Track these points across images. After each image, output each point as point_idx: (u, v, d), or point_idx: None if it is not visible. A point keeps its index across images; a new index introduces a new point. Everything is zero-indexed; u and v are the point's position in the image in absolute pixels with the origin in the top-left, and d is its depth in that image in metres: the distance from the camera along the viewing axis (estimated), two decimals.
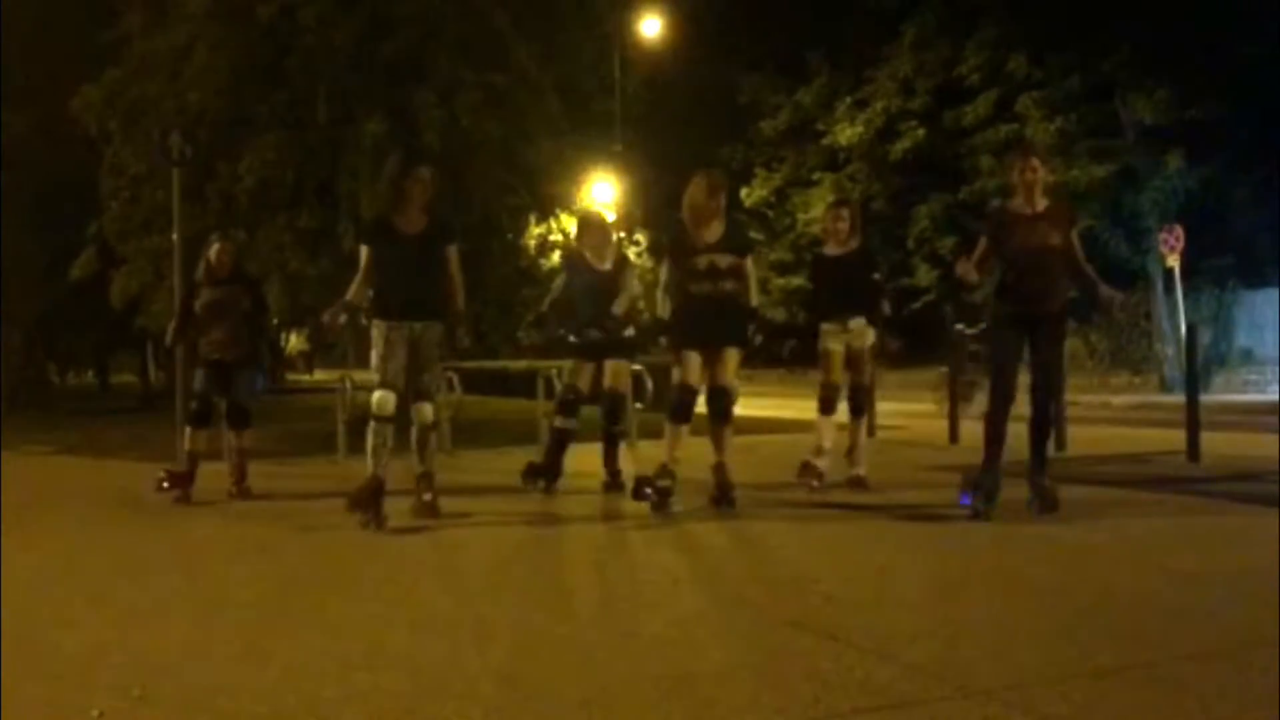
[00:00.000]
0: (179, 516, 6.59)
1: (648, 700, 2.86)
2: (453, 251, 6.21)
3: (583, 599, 4.14)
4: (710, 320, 6.17)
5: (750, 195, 29.95)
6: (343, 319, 6.23)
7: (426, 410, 6.12)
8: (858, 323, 7.08)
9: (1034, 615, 3.70)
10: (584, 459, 7.55)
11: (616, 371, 7.14)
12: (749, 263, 6.40)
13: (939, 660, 3.15)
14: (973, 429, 6.23)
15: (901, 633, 3.49)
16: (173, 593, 4.37)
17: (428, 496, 6.08)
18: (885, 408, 11.54)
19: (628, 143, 19.92)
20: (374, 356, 6.04)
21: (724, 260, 6.20)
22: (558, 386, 8.05)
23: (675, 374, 6.30)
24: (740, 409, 11.15)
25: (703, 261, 6.17)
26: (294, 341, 49.27)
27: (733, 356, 6.28)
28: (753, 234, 30.17)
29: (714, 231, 6.23)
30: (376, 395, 5.96)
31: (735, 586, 4.31)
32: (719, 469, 6.23)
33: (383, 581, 4.51)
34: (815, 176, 28.58)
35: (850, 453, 7.19)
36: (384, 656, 3.31)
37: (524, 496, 6.97)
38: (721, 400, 6.25)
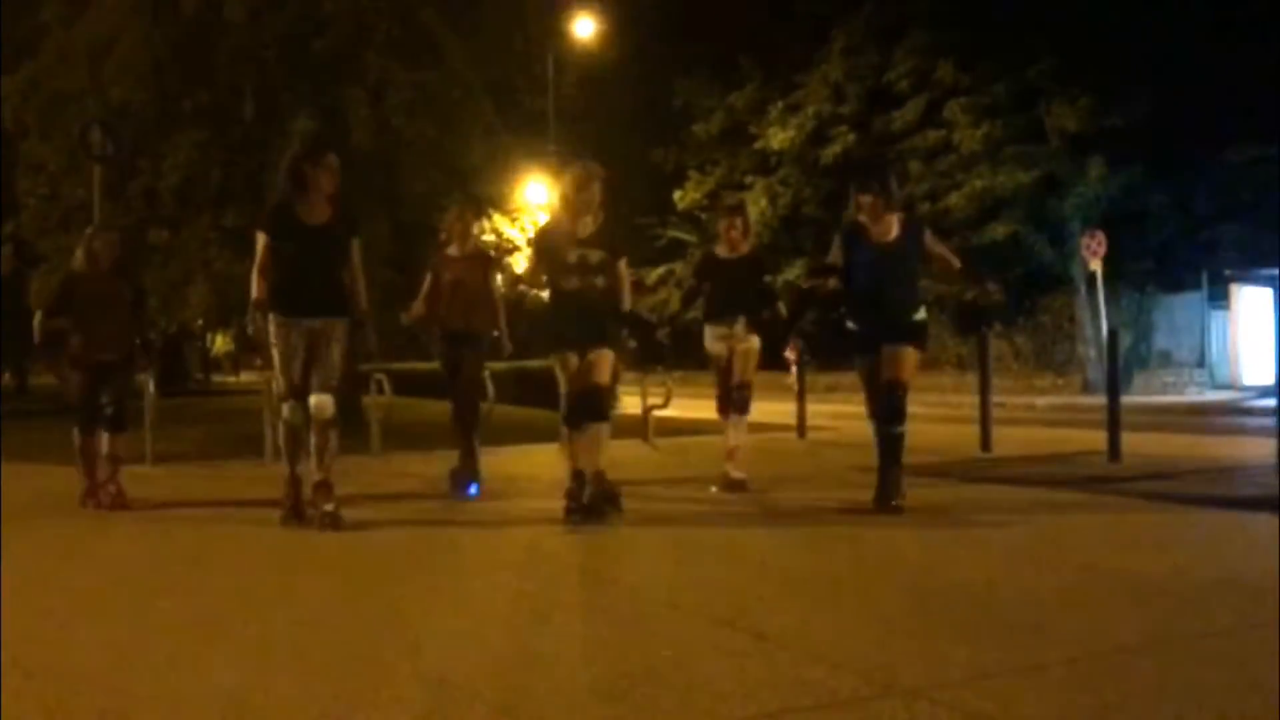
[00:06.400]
0: (96, 522, 6.42)
1: (578, 703, 2.85)
2: (356, 245, 5.94)
3: (510, 604, 4.11)
4: (582, 319, 5.89)
5: (684, 198, 30.05)
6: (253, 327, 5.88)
7: (326, 404, 5.76)
8: (741, 325, 7.18)
9: (961, 613, 3.75)
10: (518, 461, 7.50)
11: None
12: (622, 265, 6.12)
13: (867, 659, 3.17)
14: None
15: (830, 632, 3.52)
16: (86, 599, 4.26)
17: (329, 507, 5.76)
18: (813, 409, 11.64)
19: (562, 143, 19.86)
20: (275, 356, 5.76)
21: (594, 255, 5.93)
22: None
23: (559, 379, 6.15)
24: (675, 410, 11.26)
25: (572, 255, 5.90)
26: (220, 343, 48.47)
27: (605, 356, 6.01)
28: (685, 236, 30.67)
29: (586, 226, 5.97)
30: (287, 408, 5.77)
31: (665, 589, 4.30)
32: (598, 475, 5.91)
33: (306, 587, 4.45)
34: (748, 180, 28.75)
35: (730, 455, 7.17)
36: (309, 663, 3.25)
37: (452, 501, 6.91)
38: (596, 401, 6.02)
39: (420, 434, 11.21)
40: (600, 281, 5.96)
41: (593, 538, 5.55)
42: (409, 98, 12.82)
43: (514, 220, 17.74)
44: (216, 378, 42.03)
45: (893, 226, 6.07)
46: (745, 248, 7.41)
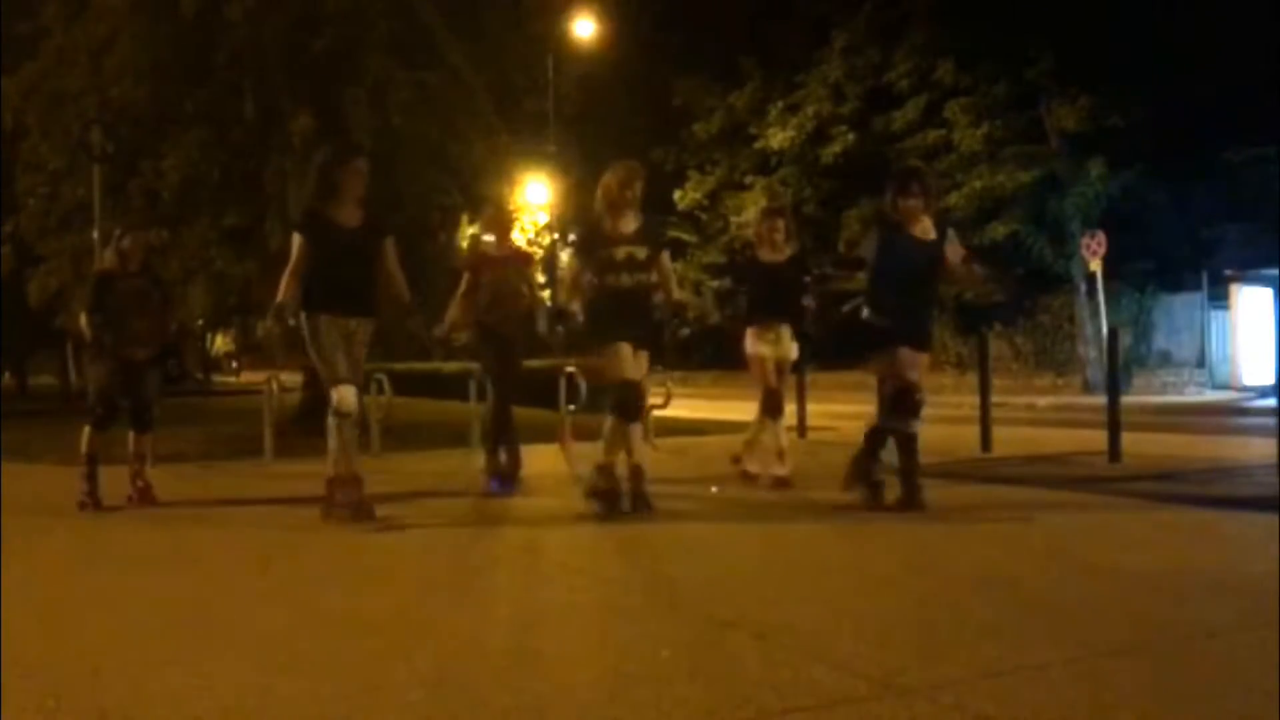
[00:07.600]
0: (97, 522, 6.42)
1: (580, 703, 2.85)
2: (389, 244, 6.12)
3: (514, 602, 4.11)
4: (635, 316, 5.96)
5: (684, 198, 30.05)
6: (290, 321, 5.89)
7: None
8: (785, 331, 7.20)
9: (961, 613, 3.75)
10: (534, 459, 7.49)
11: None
12: (666, 256, 6.24)
13: (868, 659, 3.17)
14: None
15: (831, 631, 3.52)
16: (87, 599, 4.26)
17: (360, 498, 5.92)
18: (815, 409, 11.64)
19: (561, 143, 19.87)
20: (313, 352, 5.84)
21: (641, 252, 6.01)
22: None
23: (615, 370, 6.04)
24: (675, 410, 11.26)
25: (620, 253, 5.97)
26: (219, 342, 48.48)
27: (645, 356, 6.10)
28: (685, 236, 30.67)
29: (629, 223, 6.04)
30: (337, 392, 5.79)
31: (665, 588, 4.31)
32: (636, 472, 6.00)
33: (307, 586, 4.45)
34: (747, 180, 28.74)
35: (780, 455, 7.24)
36: (308, 662, 3.25)
37: (455, 500, 6.91)
38: (635, 399, 6.06)
39: (420, 434, 11.22)
40: (651, 278, 6.05)
41: (593, 537, 5.55)
42: (409, 98, 12.79)
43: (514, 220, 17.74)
44: (216, 377, 42.00)
45: (930, 228, 6.09)
46: (788, 250, 7.37)
